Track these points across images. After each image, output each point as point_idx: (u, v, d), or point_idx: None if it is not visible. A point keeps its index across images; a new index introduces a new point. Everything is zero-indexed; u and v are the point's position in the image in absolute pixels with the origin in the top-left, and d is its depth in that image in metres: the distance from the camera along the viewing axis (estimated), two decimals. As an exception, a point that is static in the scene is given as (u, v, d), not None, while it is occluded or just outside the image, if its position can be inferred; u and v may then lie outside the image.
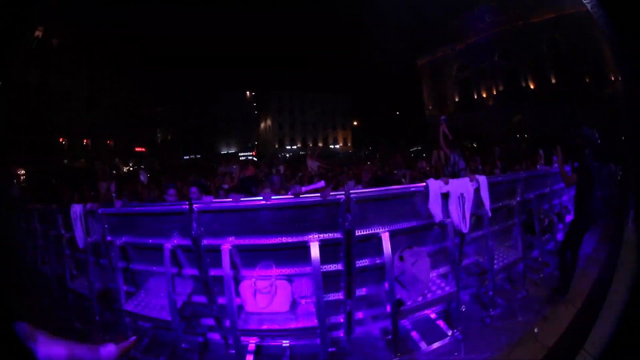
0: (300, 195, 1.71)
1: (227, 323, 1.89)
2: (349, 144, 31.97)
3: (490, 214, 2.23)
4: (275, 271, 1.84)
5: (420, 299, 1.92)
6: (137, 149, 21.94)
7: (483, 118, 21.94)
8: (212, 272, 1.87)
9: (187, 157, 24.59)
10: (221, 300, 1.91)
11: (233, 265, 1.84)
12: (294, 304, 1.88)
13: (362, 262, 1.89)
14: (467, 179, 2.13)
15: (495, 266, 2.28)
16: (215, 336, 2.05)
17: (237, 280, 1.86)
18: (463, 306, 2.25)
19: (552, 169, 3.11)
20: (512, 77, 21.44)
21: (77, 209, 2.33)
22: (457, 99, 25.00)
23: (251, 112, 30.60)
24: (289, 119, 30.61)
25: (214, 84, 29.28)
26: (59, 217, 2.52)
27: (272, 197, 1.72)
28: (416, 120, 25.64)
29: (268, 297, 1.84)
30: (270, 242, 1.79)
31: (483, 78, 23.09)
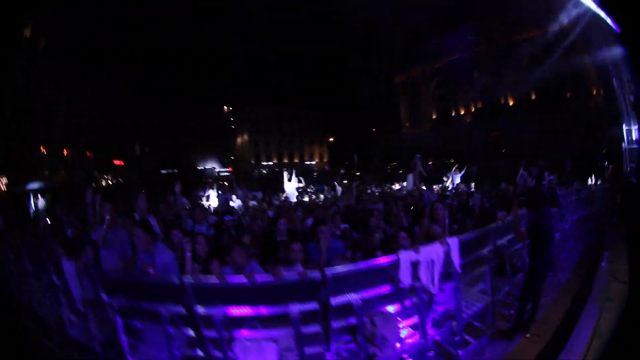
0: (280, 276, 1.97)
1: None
2: (325, 160, 33.74)
3: (460, 271, 2.52)
4: (261, 333, 2.16)
5: (391, 351, 2.26)
6: (115, 162, 21.88)
7: (460, 134, 23.00)
8: (206, 333, 2.18)
9: (164, 172, 24.70)
10: (216, 353, 2.24)
11: (225, 327, 2.15)
12: (281, 358, 2.22)
13: (337, 323, 2.20)
14: (438, 244, 2.39)
15: (464, 314, 2.61)
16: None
17: (230, 339, 2.18)
18: (432, 351, 2.60)
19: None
20: (490, 94, 22.46)
21: (69, 267, 2.56)
22: (434, 116, 26.26)
23: (228, 127, 31.41)
24: (265, 135, 31.79)
25: (192, 98, 29.19)
26: (51, 268, 2.75)
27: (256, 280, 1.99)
28: (393, 137, 26.86)
29: (257, 354, 2.17)
30: (255, 312, 2.09)
31: (461, 94, 24.20)
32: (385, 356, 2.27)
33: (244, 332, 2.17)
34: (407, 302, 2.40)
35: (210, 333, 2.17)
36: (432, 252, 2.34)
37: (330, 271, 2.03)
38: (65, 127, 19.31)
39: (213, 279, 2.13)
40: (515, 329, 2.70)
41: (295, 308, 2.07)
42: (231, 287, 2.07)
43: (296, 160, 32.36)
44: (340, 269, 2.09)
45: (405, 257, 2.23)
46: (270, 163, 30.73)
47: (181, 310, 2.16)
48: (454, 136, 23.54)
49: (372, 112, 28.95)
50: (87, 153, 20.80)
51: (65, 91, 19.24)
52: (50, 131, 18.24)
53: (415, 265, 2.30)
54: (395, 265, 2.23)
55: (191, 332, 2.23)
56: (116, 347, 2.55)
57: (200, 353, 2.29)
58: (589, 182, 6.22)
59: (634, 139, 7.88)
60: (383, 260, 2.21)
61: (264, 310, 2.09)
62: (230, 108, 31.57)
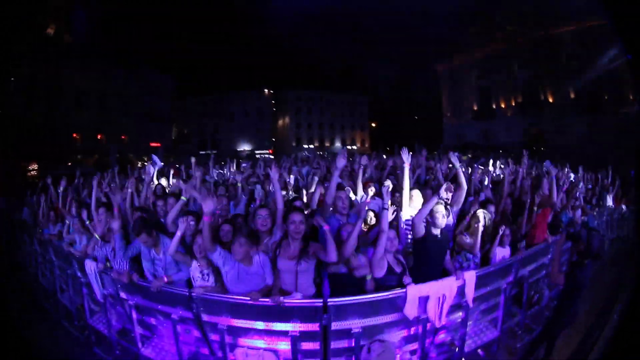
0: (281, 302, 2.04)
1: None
2: (367, 145, 34.05)
3: (471, 306, 2.46)
4: (263, 342, 2.31)
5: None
6: (152, 144, 23.02)
7: (500, 128, 23.09)
8: (211, 337, 2.38)
9: (202, 153, 26.06)
10: (219, 354, 2.47)
11: (229, 332, 2.33)
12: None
13: (337, 344, 2.30)
14: (452, 279, 2.31)
15: (468, 347, 2.61)
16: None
17: (233, 345, 2.37)
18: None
19: (557, 237, 3.09)
20: (531, 89, 22.09)
21: (91, 265, 2.82)
22: (475, 108, 25.96)
23: (268, 110, 32.18)
24: (307, 118, 32.59)
25: (232, 81, 30.62)
26: (74, 262, 3.04)
27: (260, 299, 2.07)
28: (434, 126, 27.13)
29: (257, 362, 2.36)
30: (258, 327, 2.22)
31: (502, 88, 23.81)
32: None
33: (247, 339, 2.34)
34: (412, 329, 2.42)
35: (215, 336, 2.36)
36: (445, 287, 2.29)
37: (334, 301, 2.06)
38: (98, 114, 20.69)
39: (219, 295, 2.24)
40: None
41: (295, 327, 2.16)
42: (235, 303, 2.18)
43: (338, 144, 33.30)
44: (345, 299, 2.11)
45: (413, 292, 2.19)
46: (312, 146, 31.51)
47: (189, 315, 2.35)
48: (494, 129, 23.63)
49: (415, 100, 29.41)
50: (122, 136, 22.03)
51: (99, 78, 20.34)
52: (84, 117, 19.59)
53: (423, 298, 2.27)
54: (402, 299, 2.21)
55: (198, 333, 2.45)
56: (129, 336, 2.88)
57: (205, 352, 2.54)
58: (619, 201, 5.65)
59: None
60: (390, 293, 2.19)
61: (265, 325, 2.21)
62: (272, 91, 32.40)
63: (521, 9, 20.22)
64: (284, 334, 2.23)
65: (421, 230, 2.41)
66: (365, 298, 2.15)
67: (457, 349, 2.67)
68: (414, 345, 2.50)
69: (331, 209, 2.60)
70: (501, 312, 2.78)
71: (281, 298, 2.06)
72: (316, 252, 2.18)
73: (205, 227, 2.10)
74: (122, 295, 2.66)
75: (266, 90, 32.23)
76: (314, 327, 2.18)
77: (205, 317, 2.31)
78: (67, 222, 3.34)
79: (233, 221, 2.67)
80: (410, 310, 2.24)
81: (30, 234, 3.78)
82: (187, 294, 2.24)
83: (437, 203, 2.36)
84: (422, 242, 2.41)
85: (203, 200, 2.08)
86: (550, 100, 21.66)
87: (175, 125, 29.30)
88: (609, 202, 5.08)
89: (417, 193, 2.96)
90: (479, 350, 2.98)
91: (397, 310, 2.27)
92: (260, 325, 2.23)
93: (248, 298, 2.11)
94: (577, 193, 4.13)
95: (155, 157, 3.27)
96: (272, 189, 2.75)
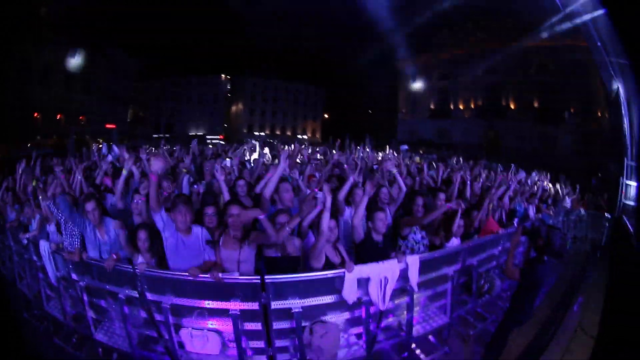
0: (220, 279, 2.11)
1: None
2: (317, 136, 34.73)
3: (416, 290, 2.55)
4: (206, 323, 2.37)
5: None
6: (107, 126, 22.76)
7: (456, 129, 23.70)
8: (157, 317, 2.43)
9: (156, 136, 26.02)
10: (166, 336, 2.51)
11: (174, 313, 2.38)
12: (224, 348, 2.45)
13: (279, 325, 2.36)
14: (394, 262, 2.40)
15: (417, 331, 2.68)
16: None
17: (177, 325, 2.41)
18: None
19: (510, 229, 3.21)
20: (493, 94, 22.92)
21: (45, 246, 2.85)
22: (432, 106, 26.55)
23: (223, 95, 32.57)
24: (261, 105, 33.10)
25: (193, 65, 30.57)
26: (31, 247, 3.06)
27: (199, 275, 2.13)
28: (388, 122, 27.45)
29: (202, 342, 2.41)
30: (199, 305, 2.28)
31: (463, 90, 24.48)
32: None
33: (191, 320, 2.39)
34: (356, 312, 2.50)
35: (161, 317, 2.41)
36: (387, 269, 2.37)
37: (271, 278, 2.14)
38: (60, 93, 20.57)
39: (162, 271, 2.29)
40: None
41: (235, 306, 2.23)
42: (176, 279, 2.24)
43: (288, 133, 33.59)
44: (282, 277, 2.18)
45: (352, 275, 2.27)
46: (263, 134, 31.59)
47: (135, 294, 2.39)
48: (450, 129, 24.37)
49: (370, 95, 29.48)
50: (80, 117, 22.09)
51: (60, 58, 20.15)
52: (45, 98, 19.35)
53: (365, 280, 2.35)
54: (340, 279, 2.29)
55: (145, 314, 2.49)
56: (84, 322, 2.89)
57: (153, 334, 2.58)
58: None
59: (632, 176, 7.36)
60: (328, 273, 2.27)
61: (206, 303, 2.27)
62: (229, 77, 32.56)
63: (494, 17, 20.97)
64: (225, 313, 2.29)
65: (361, 234, 2.53)
66: (303, 276, 2.23)
67: (405, 335, 2.75)
68: (359, 329, 2.58)
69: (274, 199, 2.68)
70: (449, 298, 2.87)
71: (220, 274, 2.12)
72: (256, 239, 2.26)
73: (151, 185, 2.14)
74: (74, 276, 2.69)
75: (224, 76, 32.36)
76: (254, 306, 2.24)
77: (149, 296, 2.36)
78: (24, 206, 3.37)
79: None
80: (349, 292, 2.31)
81: None
82: (132, 270, 2.29)
83: (378, 209, 2.46)
84: (361, 247, 2.52)
85: (152, 159, 2.12)
86: (512, 106, 22.42)
87: (132, 107, 29.16)
88: (567, 204, 5.32)
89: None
90: (430, 336, 3.06)
91: (337, 292, 2.34)
92: (202, 303, 2.28)
93: (183, 274, 2.17)
94: (532, 190, 4.30)
95: (115, 147, 3.33)
96: (219, 189, 2.82)
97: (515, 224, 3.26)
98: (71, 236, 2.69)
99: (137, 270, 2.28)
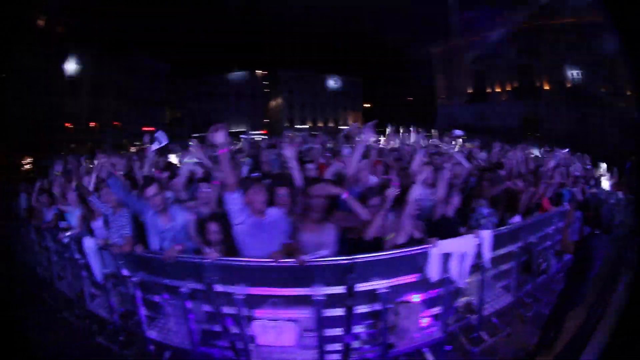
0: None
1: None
2: (359, 126, 35.53)
3: (489, 266, 2.52)
4: (282, 313, 2.22)
5: (409, 342, 2.33)
6: (145, 129, 22.94)
7: (494, 112, 23.09)
8: (226, 310, 2.25)
9: (196, 135, 26.22)
10: (234, 330, 2.33)
11: (245, 305, 2.22)
12: (299, 339, 2.30)
13: (361, 309, 2.25)
14: (471, 237, 2.37)
15: (485, 311, 2.65)
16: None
17: (249, 318, 2.25)
18: (450, 346, 2.66)
19: (562, 208, 3.27)
20: (527, 75, 22.47)
21: (89, 243, 2.62)
22: (470, 90, 25.83)
23: (261, 91, 32.89)
24: (300, 99, 32.83)
25: (225, 63, 30.92)
26: (72, 245, 2.83)
27: (281, 260, 2.00)
28: (427, 109, 26.80)
29: (276, 333, 2.25)
30: (278, 293, 2.13)
31: (498, 72, 23.95)
32: (403, 346, 2.33)
33: (264, 311, 2.23)
34: (432, 293, 2.43)
35: (230, 310, 2.24)
36: (466, 245, 2.33)
37: (357, 258, 2.04)
38: (90, 101, 20.65)
39: (235, 259, 2.13)
40: (539, 349, 2.71)
41: (319, 291, 2.10)
42: (253, 267, 2.09)
43: (331, 125, 32.93)
44: (368, 255, 2.09)
45: (437, 250, 2.21)
46: (305, 127, 30.87)
47: (201, 287, 2.21)
48: (489, 112, 23.40)
49: (409, 82, 29.26)
50: (114, 123, 21.83)
51: (91, 65, 20.36)
52: (76, 106, 19.64)
53: (446, 257, 2.30)
54: (425, 256, 2.22)
55: (210, 308, 2.31)
56: (133, 319, 2.69)
57: (218, 328, 2.39)
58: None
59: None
60: (413, 249, 2.20)
61: (286, 291, 2.13)
62: (264, 72, 32.54)
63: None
64: (305, 300, 2.16)
65: (440, 211, 2.50)
66: (389, 254, 2.14)
67: (475, 316, 2.71)
68: (435, 310, 2.51)
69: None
70: (515, 276, 2.86)
71: (304, 257, 1.99)
72: (341, 220, 2.16)
73: (224, 160, 1.91)
74: (124, 272, 2.47)
75: (258, 72, 32.40)
76: (337, 290, 2.13)
77: (218, 288, 2.19)
78: (62, 207, 3.14)
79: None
80: (433, 269, 2.25)
81: (26, 222, 3.53)
82: (200, 261, 2.12)
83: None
84: (435, 224, 2.49)
85: (212, 132, 1.90)
86: (546, 87, 21.78)
87: (168, 109, 29.01)
88: (607, 187, 5.37)
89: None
90: (493, 319, 3.03)
91: (419, 270, 2.27)
92: (281, 291, 2.14)
93: (267, 260, 2.03)
94: (577, 172, 4.35)
95: (160, 134, 3.13)
96: (290, 166, 2.70)
97: (566, 205, 3.31)
98: (120, 229, 2.49)
99: (208, 260, 2.10)
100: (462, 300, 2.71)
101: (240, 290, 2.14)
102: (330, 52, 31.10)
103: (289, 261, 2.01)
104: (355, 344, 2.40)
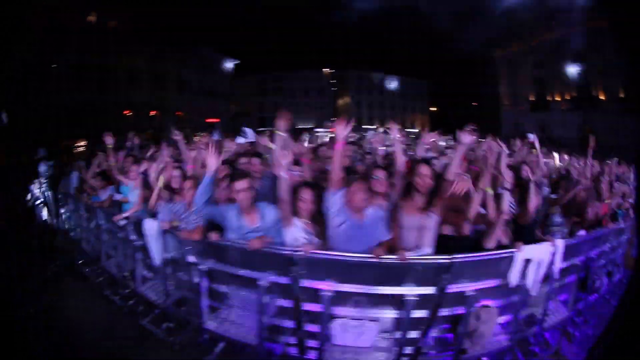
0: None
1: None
2: (426, 130, 36.32)
3: (557, 277, 2.53)
4: (366, 313, 2.14)
5: (481, 349, 2.28)
6: (208, 120, 22.62)
7: (555, 121, 21.41)
8: (306, 307, 2.15)
9: (261, 129, 26.25)
10: (309, 327, 2.21)
11: (330, 302, 2.12)
12: (377, 340, 2.22)
13: (442, 312, 2.20)
14: (548, 244, 2.39)
15: (545, 324, 2.64)
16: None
17: (331, 316, 2.15)
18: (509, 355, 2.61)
19: (619, 224, 3.30)
20: (584, 83, 20.94)
21: (151, 225, 2.48)
22: (532, 98, 24.11)
23: (328, 89, 33.09)
24: (367, 99, 32.89)
25: (292, 61, 31.31)
26: (129, 226, 2.69)
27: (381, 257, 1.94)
28: (492, 115, 25.41)
29: (356, 333, 2.17)
30: (367, 291, 2.06)
31: (557, 79, 22.13)
32: (475, 353, 2.29)
33: (346, 309, 2.15)
34: (507, 299, 2.41)
35: (310, 306, 2.14)
36: (544, 252, 2.35)
37: (456, 257, 2.01)
38: (151, 92, 20.90)
39: (333, 253, 2.06)
40: None
41: (411, 292, 2.05)
42: (349, 262, 2.02)
43: (398, 126, 34.03)
44: (463, 256, 2.06)
45: (522, 255, 2.22)
46: (373, 127, 30.38)
47: (283, 281, 2.11)
48: (549, 122, 21.76)
49: (472, 87, 28.34)
50: (177, 113, 21.80)
51: (151, 58, 20.76)
52: (136, 96, 19.87)
53: (526, 263, 2.30)
54: (510, 260, 2.22)
55: (287, 303, 2.20)
56: (187, 307, 2.53)
57: (289, 324, 2.27)
58: None
59: None
60: (502, 252, 2.20)
61: (377, 290, 2.07)
62: (332, 70, 32.51)
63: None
64: (389, 300, 2.10)
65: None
66: (481, 255, 2.12)
67: (535, 328, 2.70)
68: (505, 318, 2.48)
69: None
70: (574, 290, 2.88)
71: (406, 254, 1.95)
72: (448, 204, 2.12)
73: (337, 156, 1.87)
74: (191, 259, 2.33)
75: (325, 70, 32.44)
76: (428, 290, 2.09)
77: (304, 283, 2.10)
78: (121, 181, 2.98)
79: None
80: (515, 274, 2.25)
81: (77, 199, 3.34)
82: (290, 253, 2.03)
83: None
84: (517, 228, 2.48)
85: (337, 125, 1.86)
86: (602, 97, 20.10)
87: (233, 103, 28.82)
88: None
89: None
90: (546, 334, 3.02)
91: (501, 275, 2.26)
92: (370, 289, 2.07)
93: (366, 256, 1.97)
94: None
95: (247, 130, 3.08)
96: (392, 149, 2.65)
97: (622, 221, 3.36)
98: (192, 223, 2.36)
99: (299, 253, 2.00)
100: (526, 311, 2.70)
101: (329, 287, 2.06)
102: (398, 53, 30.80)
103: (390, 258, 1.96)
104: (425, 349, 2.34)
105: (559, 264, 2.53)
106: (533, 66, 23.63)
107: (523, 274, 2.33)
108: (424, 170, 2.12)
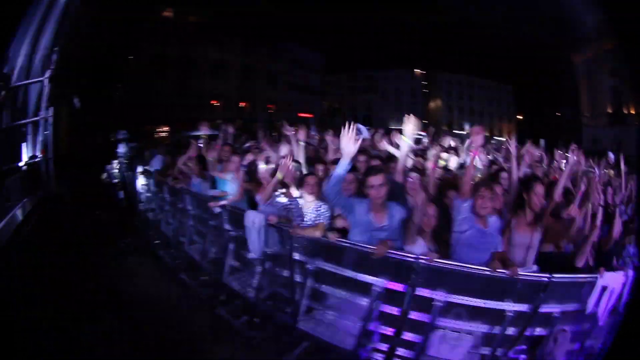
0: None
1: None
2: (513, 138, 34.95)
3: (622, 310, 2.73)
4: (465, 325, 2.27)
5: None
6: (301, 115, 22.65)
7: (631, 137, 17.64)
8: (412, 315, 2.25)
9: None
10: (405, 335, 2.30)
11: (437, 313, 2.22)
12: (468, 354, 2.34)
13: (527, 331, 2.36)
14: (622, 274, 2.59)
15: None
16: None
17: (433, 326, 2.26)
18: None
19: None
20: None
21: (254, 217, 2.53)
22: (609, 110, 21.85)
23: (420, 90, 32.49)
24: (458, 103, 32.07)
25: (384, 60, 29.84)
26: (224, 214, 2.74)
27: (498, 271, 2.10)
28: (572, 126, 23.33)
29: (452, 345, 2.29)
30: (475, 304, 2.20)
31: (632, 89, 19.26)
32: None
33: (447, 321, 2.27)
34: (578, 326, 2.59)
35: (416, 314, 2.25)
36: (617, 280, 2.53)
37: (558, 277, 2.18)
38: (241, 84, 21.06)
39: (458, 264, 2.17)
40: None
41: (511, 307, 2.21)
42: (468, 273, 2.14)
43: (486, 134, 33.04)
44: (562, 276, 2.22)
45: (602, 281, 2.42)
46: (463, 132, 31.56)
47: (397, 287, 2.22)
48: (625, 137, 18.38)
49: (560, 95, 25.19)
50: (268, 105, 22.16)
51: (239, 51, 20.95)
52: (222, 87, 20.05)
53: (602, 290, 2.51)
54: (591, 285, 2.41)
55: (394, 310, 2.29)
56: (275, 303, 2.55)
57: (386, 332, 2.35)
58: None
59: None
60: (587, 276, 2.36)
61: (480, 302, 2.21)
62: (423, 72, 31.66)
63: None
64: (485, 314, 2.23)
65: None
66: (575, 277, 2.27)
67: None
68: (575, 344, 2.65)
69: None
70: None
71: (518, 269, 2.11)
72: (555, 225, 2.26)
73: (471, 164, 2.03)
74: (297, 256, 2.40)
75: (417, 71, 31.42)
76: (523, 307, 2.24)
77: (418, 291, 2.21)
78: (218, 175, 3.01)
79: None
80: (593, 300, 2.45)
81: (159, 181, 3.30)
82: (414, 260, 2.14)
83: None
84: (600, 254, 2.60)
85: (474, 134, 2.02)
86: None
87: (325, 99, 28.54)
88: None
89: None
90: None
91: (582, 300, 2.45)
92: (475, 302, 2.20)
93: (480, 268, 2.13)
94: None
95: (361, 126, 3.12)
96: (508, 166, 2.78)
97: None
98: (314, 219, 2.44)
99: (423, 261, 2.12)
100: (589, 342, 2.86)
101: (441, 297, 2.17)
102: (489, 58, 31.21)
103: (502, 272, 2.11)
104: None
105: (626, 297, 2.74)
106: (609, 74, 20.63)
107: (597, 302, 2.53)
108: (539, 189, 2.25)
